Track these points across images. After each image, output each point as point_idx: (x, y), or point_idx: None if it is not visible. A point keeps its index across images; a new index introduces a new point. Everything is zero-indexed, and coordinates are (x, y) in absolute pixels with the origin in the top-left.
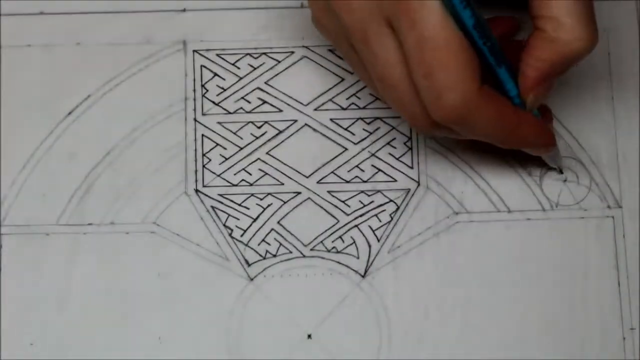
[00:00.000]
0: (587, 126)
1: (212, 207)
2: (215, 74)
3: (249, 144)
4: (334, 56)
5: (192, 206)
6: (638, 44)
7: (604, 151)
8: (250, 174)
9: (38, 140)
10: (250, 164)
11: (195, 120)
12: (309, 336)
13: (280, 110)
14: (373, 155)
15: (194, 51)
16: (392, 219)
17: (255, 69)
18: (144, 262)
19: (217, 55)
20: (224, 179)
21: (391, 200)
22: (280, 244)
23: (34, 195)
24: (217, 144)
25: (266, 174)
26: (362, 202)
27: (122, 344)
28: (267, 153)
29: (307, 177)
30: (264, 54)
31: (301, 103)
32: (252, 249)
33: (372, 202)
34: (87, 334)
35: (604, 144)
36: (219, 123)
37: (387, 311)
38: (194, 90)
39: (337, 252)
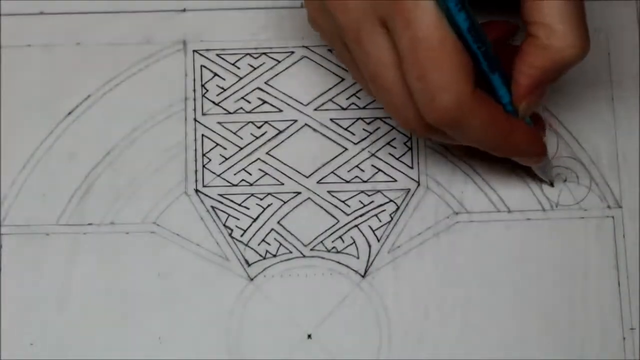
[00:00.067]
0: (587, 126)
1: (212, 207)
2: (215, 74)
3: (249, 144)
4: (334, 56)
5: (192, 206)
6: (638, 44)
7: (604, 151)
8: (250, 174)
9: (38, 140)
10: (250, 164)
11: (195, 120)
12: (309, 336)
13: (280, 110)
14: (373, 155)
15: (194, 51)
16: (392, 219)
17: (255, 69)
18: (144, 262)
19: (217, 55)
20: (224, 179)
21: (391, 200)
22: (280, 244)
23: (34, 195)
24: (217, 144)
25: (266, 174)
26: (362, 202)
27: (122, 344)
28: (267, 153)
29: (307, 177)
30: (264, 54)
31: (301, 103)
32: (252, 249)
33: (372, 202)
34: (87, 334)
35: (604, 144)
36: (219, 123)
37: (387, 311)
38: (194, 90)
39: (337, 252)
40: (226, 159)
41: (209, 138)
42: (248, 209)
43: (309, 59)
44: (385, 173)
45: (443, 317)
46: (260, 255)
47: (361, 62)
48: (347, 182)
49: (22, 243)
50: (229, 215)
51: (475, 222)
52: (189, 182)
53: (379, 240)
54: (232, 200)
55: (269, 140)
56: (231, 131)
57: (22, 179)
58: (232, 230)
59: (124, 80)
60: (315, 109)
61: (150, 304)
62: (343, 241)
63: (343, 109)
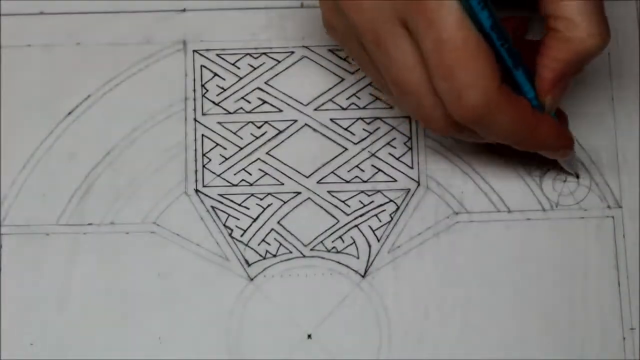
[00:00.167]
0: (587, 126)
1: (212, 207)
2: (215, 74)
3: (249, 144)
4: (334, 56)
5: (192, 206)
6: (638, 44)
7: (604, 151)
8: (250, 174)
9: (38, 140)
10: (250, 164)
11: (195, 120)
12: (309, 336)
13: (280, 110)
14: (373, 155)
15: (194, 51)
16: (392, 219)
17: (255, 69)
18: (144, 262)
19: (217, 55)
20: (224, 179)
21: (391, 200)
22: (280, 244)
23: (34, 195)
24: (217, 144)
25: (266, 174)
26: (362, 202)
27: (122, 344)
28: (267, 153)
29: (307, 177)
30: (264, 54)
31: (301, 103)
32: (252, 249)
33: (372, 202)
34: (87, 334)
35: (604, 144)
36: (219, 123)
37: (387, 311)
38: (194, 90)
39: (337, 252)
40: (226, 159)
41: (209, 138)
42: (248, 209)
43: (309, 59)
44: (385, 173)
45: (443, 317)
46: (260, 255)
47: (382, 64)
48: (347, 182)
49: (22, 243)
50: (229, 215)
51: (475, 222)
52: (189, 182)
53: (379, 240)
54: (232, 200)
55: (269, 140)
56: (231, 131)
57: (22, 179)
58: (232, 230)
59: (124, 80)
60: (315, 109)
61: (150, 304)
62: (343, 241)
63: (343, 109)
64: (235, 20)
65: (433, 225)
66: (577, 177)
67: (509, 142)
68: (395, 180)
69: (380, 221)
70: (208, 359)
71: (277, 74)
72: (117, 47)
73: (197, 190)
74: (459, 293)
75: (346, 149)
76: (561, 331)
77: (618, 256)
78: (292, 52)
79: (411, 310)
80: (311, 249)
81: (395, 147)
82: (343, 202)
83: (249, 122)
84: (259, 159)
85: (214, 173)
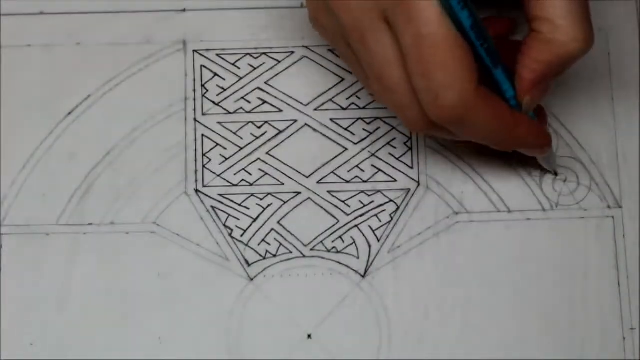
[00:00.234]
0: (587, 126)
1: (212, 207)
2: (215, 74)
3: (249, 144)
4: (334, 56)
5: (192, 206)
6: (638, 44)
7: (604, 151)
8: (250, 174)
9: (38, 140)
10: (250, 164)
11: (195, 120)
12: (309, 336)
13: (280, 110)
14: (373, 155)
15: (194, 51)
16: (392, 219)
17: (255, 69)
18: (144, 262)
19: (217, 55)
20: (224, 179)
21: (391, 200)
22: (280, 244)
23: (34, 195)
24: (217, 144)
25: (266, 174)
26: (362, 202)
27: (122, 344)
28: (267, 153)
29: (307, 177)
30: (264, 54)
31: (301, 103)
32: (252, 249)
33: (372, 202)
34: (87, 334)
35: (604, 144)
36: (219, 123)
37: (387, 311)
38: (194, 90)
39: (337, 252)
40: (226, 159)
41: (209, 138)
42: (248, 209)
43: (309, 59)
44: (385, 173)
45: (443, 317)
46: (260, 255)
47: (365, 61)
48: (347, 182)
49: (22, 243)
50: (229, 215)
51: (475, 222)
52: (189, 182)
53: (379, 240)
54: (232, 200)
55: (269, 140)
56: (231, 131)
57: (22, 179)
58: (232, 230)
59: (124, 80)
60: (315, 109)
61: (150, 304)
62: (343, 241)
63: (343, 109)
64: (235, 20)
65: (433, 225)
66: (555, 174)
67: (486, 142)
68: (395, 180)
69: (380, 221)
70: (208, 359)
71: (277, 74)
72: (117, 47)
73: (197, 190)
74: (459, 293)
75: (346, 149)
76: (561, 331)
77: (618, 256)
78: (292, 52)
79: (411, 310)
80: (311, 249)
81: (395, 147)
82: (343, 202)
83: (249, 122)
84: (259, 159)
85: (214, 173)
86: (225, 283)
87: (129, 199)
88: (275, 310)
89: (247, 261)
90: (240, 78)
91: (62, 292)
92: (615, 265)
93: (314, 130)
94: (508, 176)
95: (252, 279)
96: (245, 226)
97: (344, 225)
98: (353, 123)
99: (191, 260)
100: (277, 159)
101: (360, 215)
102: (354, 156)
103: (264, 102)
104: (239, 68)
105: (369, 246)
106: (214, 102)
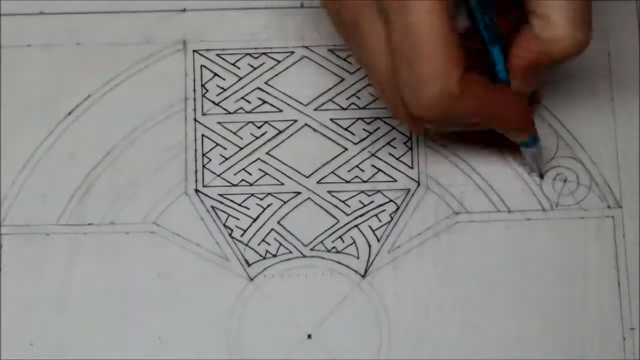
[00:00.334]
0: (587, 126)
1: (212, 207)
2: (215, 74)
3: (249, 144)
4: (334, 56)
5: (192, 206)
6: (638, 44)
7: (604, 151)
8: (250, 174)
9: (38, 140)
10: (250, 164)
11: (195, 120)
12: (309, 336)
13: (280, 110)
14: (373, 155)
15: (194, 51)
16: (392, 219)
17: (255, 69)
18: (144, 262)
19: (217, 55)
20: (224, 179)
21: (391, 200)
22: (280, 244)
23: (34, 195)
24: (217, 144)
25: (266, 174)
26: (362, 202)
27: (122, 344)
28: (267, 153)
29: (307, 177)
30: (264, 54)
31: (301, 103)
32: (252, 249)
33: (372, 202)
34: (87, 334)
35: (604, 144)
36: (219, 123)
37: (387, 311)
38: (194, 90)
39: (337, 252)
40: (226, 159)
41: (209, 138)
42: (248, 209)
43: (309, 59)
44: (385, 173)
45: (443, 317)
46: (260, 255)
47: (357, 48)
48: (347, 182)
49: (22, 243)
50: (229, 215)
51: (475, 222)
52: (189, 182)
53: (379, 240)
54: (232, 200)
55: (269, 140)
56: (231, 131)
57: (22, 179)
58: (232, 230)
59: (124, 80)
60: (315, 109)
61: (150, 304)
62: (343, 241)
63: (343, 109)
64: (235, 20)
65: (433, 225)
66: (542, 177)
67: (468, 129)
68: (395, 180)
69: (380, 221)
70: (208, 359)
71: (277, 74)
72: (117, 47)
73: (197, 190)
74: (459, 293)
75: (346, 149)
76: (561, 331)
77: (618, 256)
78: (292, 52)
79: (411, 310)
80: (311, 249)
81: (395, 147)
82: (343, 202)
83: (249, 122)
84: (259, 159)
85: (214, 173)
86: (225, 283)
87: (129, 199)
88: (275, 310)
89: (247, 261)
90: (240, 78)
91: (62, 292)
92: (615, 265)
93: (314, 130)
94: (508, 176)
95: (252, 279)
96: (245, 226)
97: (344, 225)
98: (353, 123)
99: (191, 260)
100: (277, 159)
101: (360, 215)
102: (354, 156)
103: (264, 102)
104: (239, 68)
105: (369, 246)
106: (214, 102)
